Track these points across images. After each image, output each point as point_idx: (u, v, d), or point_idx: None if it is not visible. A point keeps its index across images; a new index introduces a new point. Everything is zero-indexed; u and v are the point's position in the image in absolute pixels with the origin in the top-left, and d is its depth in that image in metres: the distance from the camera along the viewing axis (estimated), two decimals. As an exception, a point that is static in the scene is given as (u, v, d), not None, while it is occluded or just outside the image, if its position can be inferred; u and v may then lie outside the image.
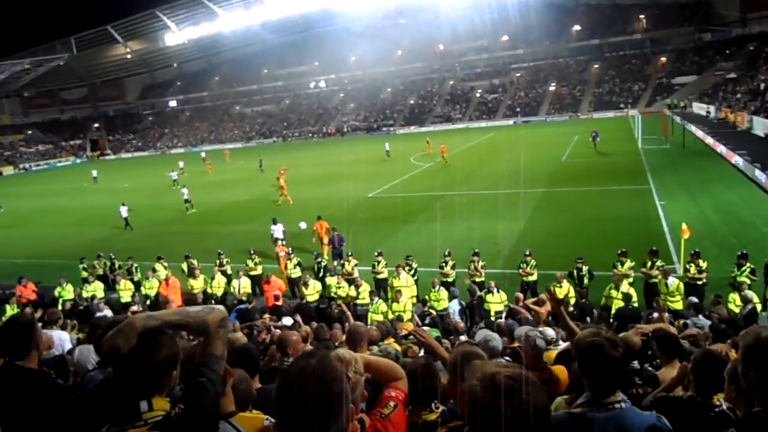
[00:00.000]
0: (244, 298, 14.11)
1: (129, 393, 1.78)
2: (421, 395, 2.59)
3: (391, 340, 7.16)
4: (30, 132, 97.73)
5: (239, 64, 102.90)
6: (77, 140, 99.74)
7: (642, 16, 75.78)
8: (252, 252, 16.44)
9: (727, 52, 65.84)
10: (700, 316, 8.36)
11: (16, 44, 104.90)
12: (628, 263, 12.29)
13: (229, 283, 15.32)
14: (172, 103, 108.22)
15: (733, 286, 11.02)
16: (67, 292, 15.27)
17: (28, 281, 15.75)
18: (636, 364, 3.96)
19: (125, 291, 15.30)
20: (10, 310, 13.47)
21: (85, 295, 15.10)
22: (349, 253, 15.23)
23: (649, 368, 4.09)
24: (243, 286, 14.39)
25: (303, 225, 17.48)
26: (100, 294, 15.27)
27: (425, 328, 8.44)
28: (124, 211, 27.35)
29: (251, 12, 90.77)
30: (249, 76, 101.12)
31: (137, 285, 16.11)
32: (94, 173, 52.48)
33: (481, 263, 13.74)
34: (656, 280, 11.71)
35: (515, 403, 1.46)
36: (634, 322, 7.70)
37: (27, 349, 2.75)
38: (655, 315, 8.72)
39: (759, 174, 22.15)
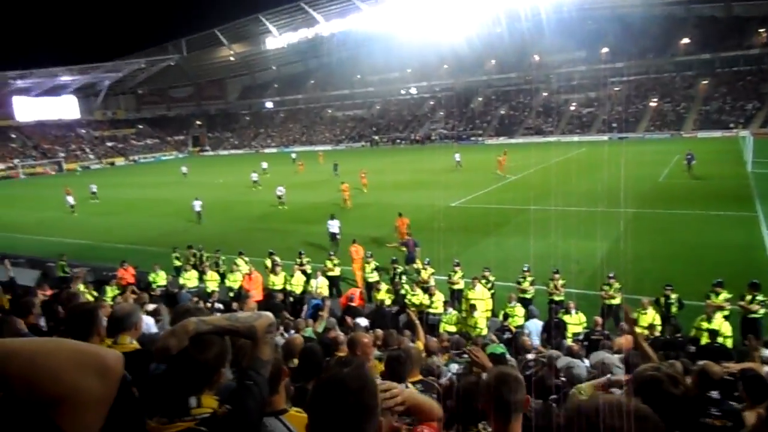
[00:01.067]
0: (320, 298, 14.52)
1: (180, 388, 1.90)
2: (469, 414, 2.56)
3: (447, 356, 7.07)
4: (141, 126, 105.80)
5: (333, 69, 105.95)
6: (181, 136, 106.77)
7: (762, 30, 70.02)
8: (331, 253, 16.85)
9: None
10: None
11: (135, 44, 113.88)
12: (724, 294, 11.34)
13: (308, 281, 15.79)
14: (269, 105, 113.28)
15: None
16: (161, 278, 16.37)
17: (128, 265, 17.00)
18: (716, 394, 3.67)
19: (211, 282, 16.15)
20: (111, 291, 14.63)
21: (181, 282, 16.14)
22: (427, 261, 15.21)
23: (733, 403, 3.77)
24: (320, 285, 14.78)
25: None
26: (193, 283, 16.24)
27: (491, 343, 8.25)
28: (197, 206, 29.00)
29: (348, 19, 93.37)
30: (342, 80, 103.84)
31: (223, 277, 16.97)
32: (184, 169, 54.89)
33: (561, 282, 13.28)
34: (757, 316, 10.80)
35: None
36: (723, 360, 7.12)
37: (87, 335, 2.94)
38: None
39: None
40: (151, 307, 10.96)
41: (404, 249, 17.69)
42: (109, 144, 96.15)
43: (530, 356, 6.46)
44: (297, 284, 15.33)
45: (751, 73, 69.59)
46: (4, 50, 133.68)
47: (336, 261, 16.55)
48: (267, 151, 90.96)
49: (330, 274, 16.05)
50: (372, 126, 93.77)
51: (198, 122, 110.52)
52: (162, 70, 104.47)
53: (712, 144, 50.93)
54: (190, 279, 16.26)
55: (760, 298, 11.07)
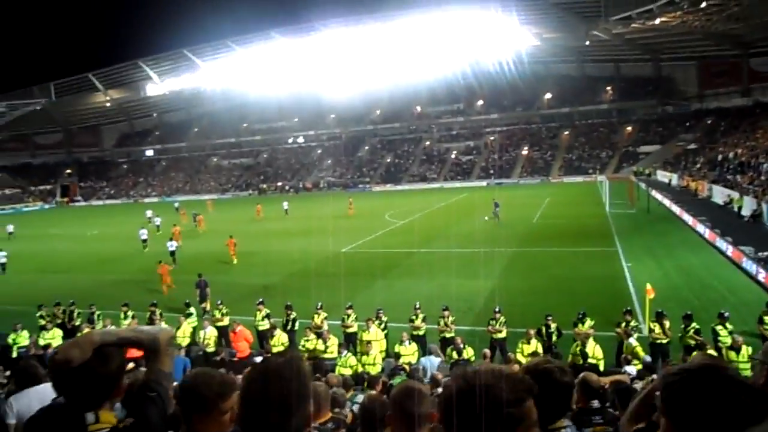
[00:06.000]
0: (208, 349, 13.82)
1: (75, 405, 1.78)
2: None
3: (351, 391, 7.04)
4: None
5: (219, 117, 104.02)
6: (47, 185, 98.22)
7: (609, 88, 79.66)
8: (219, 302, 16.15)
9: (687, 124, 69.39)
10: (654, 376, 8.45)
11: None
12: (589, 322, 12.53)
13: (195, 333, 14.99)
14: (149, 153, 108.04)
15: (686, 347, 11.36)
16: (22, 338, 14.69)
17: (-19, 327, 15.11)
18: (596, 403, 3.97)
19: (85, 339, 14.74)
20: (-39, 356, 12.86)
21: (42, 342, 14.52)
22: (319, 306, 15.08)
23: (611, 410, 4.10)
24: (208, 336, 14.06)
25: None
26: (58, 342, 14.66)
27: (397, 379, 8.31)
28: (1, 257, 29.55)
29: (232, 65, 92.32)
30: (228, 128, 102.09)
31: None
32: (10, 228, 45.43)
33: (450, 319, 13.73)
34: (663, 341, 12.00)
35: (490, 397, 1.46)
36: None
37: None
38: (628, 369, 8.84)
39: (720, 242, 22.89)
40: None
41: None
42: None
43: (439, 390, 6.60)
44: (183, 336, 14.45)
45: (603, 125, 78.46)
46: None
47: (225, 310, 15.88)
48: (147, 200, 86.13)
49: (219, 324, 15.34)
50: (259, 174, 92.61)
51: (68, 171, 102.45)
52: (26, 114, 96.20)
53: (576, 188, 56.34)
54: (54, 338, 14.69)
55: (633, 324, 12.25)
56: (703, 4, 45.95)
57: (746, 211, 30.52)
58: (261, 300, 15.79)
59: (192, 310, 16.28)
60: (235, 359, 13.28)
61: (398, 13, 77.22)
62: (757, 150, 42.25)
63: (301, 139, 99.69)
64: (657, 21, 54.98)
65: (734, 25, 51.97)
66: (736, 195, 33.76)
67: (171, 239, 29.38)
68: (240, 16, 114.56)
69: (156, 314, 15.51)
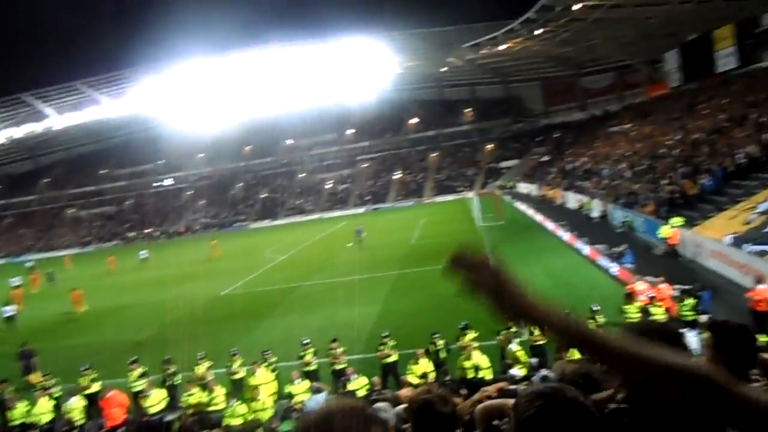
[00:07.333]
0: (76, 423, 12.35)
1: None
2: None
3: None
4: None
5: (73, 164, 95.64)
6: None
7: (467, 110, 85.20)
8: (85, 368, 14.52)
9: (538, 139, 76.27)
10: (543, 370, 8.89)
11: None
12: (471, 334, 12.90)
13: (58, 407, 13.30)
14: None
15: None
16: None
17: None
18: None
19: None
20: None
21: None
22: (201, 356, 14.13)
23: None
24: (72, 407, 12.54)
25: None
26: None
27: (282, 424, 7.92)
28: None
29: (85, 112, 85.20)
30: (85, 176, 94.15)
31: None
32: None
33: (340, 349, 13.53)
34: (541, 342, 12.50)
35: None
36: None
37: None
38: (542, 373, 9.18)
39: (579, 243, 25.09)
40: None
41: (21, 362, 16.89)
42: None
43: None
44: (41, 412, 12.74)
45: (466, 145, 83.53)
46: None
47: (93, 375, 14.30)
48: (-9, 263, 76.31)
49: (88, 392, 13.77)
50: (124, 222, 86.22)
51: None
52: None
53: (449, 206, 59.03)
54: None
55: (513, 330, 12.83)
56: (539, 31, 50.92)
57: (595, 213, 33.84)
58: (134, 358, 14.45)
59: (52, 381, 14.52)
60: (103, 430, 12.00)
61: (264, 45, 76.64)
62: (597, 157, 47.23)
63: (169, 181, 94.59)
64: (502, 47, 60.00)
65: (566, 48, 58.27)
66: (585, 199, 37.33)
67: (8, 303, 26.23)
68: (87, 55, 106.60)
69: (6, 392, 13.60)
